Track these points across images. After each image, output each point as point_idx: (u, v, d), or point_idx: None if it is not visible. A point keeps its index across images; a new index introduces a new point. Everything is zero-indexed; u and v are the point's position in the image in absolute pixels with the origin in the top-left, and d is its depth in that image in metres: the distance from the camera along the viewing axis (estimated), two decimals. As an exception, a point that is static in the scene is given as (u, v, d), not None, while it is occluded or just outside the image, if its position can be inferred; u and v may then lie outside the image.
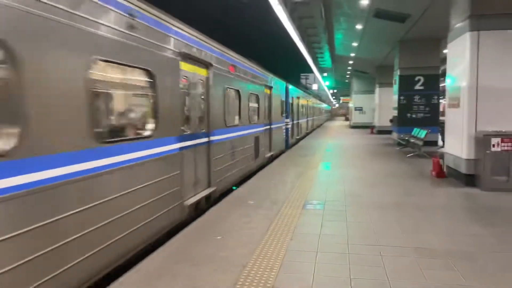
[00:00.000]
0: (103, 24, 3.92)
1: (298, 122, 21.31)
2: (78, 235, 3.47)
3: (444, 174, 9.44)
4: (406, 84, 17.80)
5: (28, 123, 2.99)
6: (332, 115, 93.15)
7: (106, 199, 3.91)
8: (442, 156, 9.89)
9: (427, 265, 4.07)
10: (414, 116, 17.83)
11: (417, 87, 17.73)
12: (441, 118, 18.03)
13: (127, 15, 4.35)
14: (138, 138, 4.72)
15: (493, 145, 7.78)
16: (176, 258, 4.31)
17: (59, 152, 3.30)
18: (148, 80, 4.95)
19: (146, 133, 4.96)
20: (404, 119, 17.87)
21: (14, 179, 2.85)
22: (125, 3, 4.34)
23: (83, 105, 3.61)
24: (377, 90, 26.54)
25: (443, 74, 14.67)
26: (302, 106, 23.54)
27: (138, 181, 4.58)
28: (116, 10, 4.16)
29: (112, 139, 4.11)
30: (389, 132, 22.99)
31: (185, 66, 6.13)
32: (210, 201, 7.12)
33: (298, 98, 20.96)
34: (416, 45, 17.20)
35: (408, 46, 17.40)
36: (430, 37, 16.53)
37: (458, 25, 8.78)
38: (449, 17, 9.42)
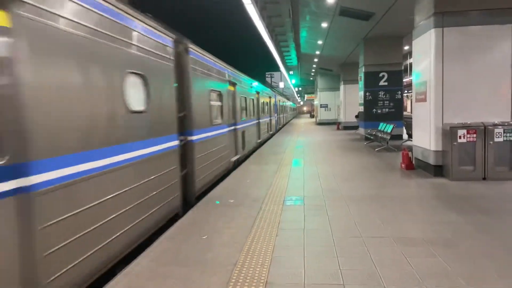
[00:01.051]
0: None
1: (268, 120, 21.43)
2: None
3: (413, 166, 9.79)
4: (371, 81, 18.29)
5: None
6: (297, 112, 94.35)
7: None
8: (410, 148, 10.25)
9: (411, 253, 4.22)
10: (379, 111, 18.35)
11: (382, 83, 18.26)
12: (405, 112, 18.71)
13: None
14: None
15: (459, 137, 8.15)
16: (163, 260, 4.25)
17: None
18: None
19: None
20: (370, 114, 18.35)
21: None
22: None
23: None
24: (342, 87, 27.10)
25: (405, 70, 15.32)
26: (271, 104, 23.68)
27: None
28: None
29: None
30: (355, 127, 23.58)
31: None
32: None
33: (268, 97, 21.13)
34: (379, 43, 17.70)
35: (372, 43, 17.88)
36: (393, 35, 17.07)
37: (422, 22, 9.12)
38: (414, 15, 9.77)
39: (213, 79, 9.30)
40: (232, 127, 11.70)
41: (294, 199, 6.89)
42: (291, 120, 54.64)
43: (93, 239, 3.76)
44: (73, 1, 3.64)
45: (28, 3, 3.09)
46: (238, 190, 7.75)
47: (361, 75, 18.94)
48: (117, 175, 4.28)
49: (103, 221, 3.96)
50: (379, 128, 15.86)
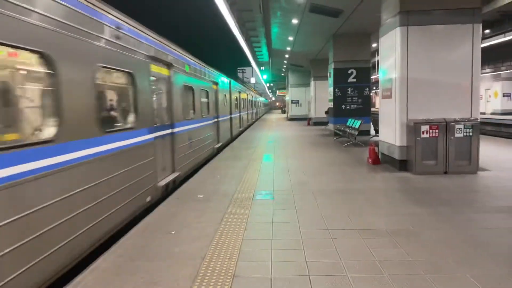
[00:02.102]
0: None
1: (239, 115, 21.51)
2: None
3: (379, 160, 10.07)
4: (340, 77, 18.59)
5: None
6: (269, 108, 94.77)
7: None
8: (377, 144, 10.53)
9: (374, 244, 4.37)
10: (348, 107, 18.70)
11: (350, 79, 18.60)
12: (373, 109, 19.15)
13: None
14: None
15: (423, 132, 8.44)
16: (131, 255, 4.22)
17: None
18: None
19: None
20: (339, 110, 18.68)
21: None
22: None
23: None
24: (312, 83, 27.43)
25: (373, 67, 15.67)
26: (243, 100, 23.75)
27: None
28: None
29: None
30: (325, 123, 23.93)
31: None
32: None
33: (239, 92, 21.19)
34: (348, 39, 18.00)
35: (342, 40, 18.17)
36: (361, 32, 17.40)
37: (388, 20, 9.37)
38: (380, 13, 10.01)
39: (195, 77, 10.38)
40: (214, 120, 13.28)
41: (264, 194, 6.97)
42: (262, 115, 54.85)
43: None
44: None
45: (174, 66, 8.09)
46: (208, 186, 7.75)
47: (331, 71, 19.22)
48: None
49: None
50: (348, 124, 16.19)
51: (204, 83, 11.68)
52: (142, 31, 6.37)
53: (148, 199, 6.38)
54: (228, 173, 9.12)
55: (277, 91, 75.75)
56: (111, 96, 5.58)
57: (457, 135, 8.37)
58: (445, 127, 8.39)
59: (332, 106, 19.31)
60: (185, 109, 9.20)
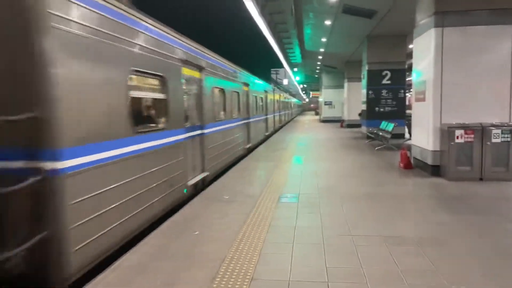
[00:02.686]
0: None
1: (271, 117, 21.53)
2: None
3: (411, 165, 9.78)
4: (374, 79, 18.23)
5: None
6: (302, 109, 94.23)
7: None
8: (409, 148, 10.24)
9: (399, 253, 4.25)
10: (382, 109, 18.31)
11: (385, 81, 18.20)
12: (407, 111, 18.65)
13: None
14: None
15: (457, 137, 8.13)
16: (153, 254, 4.31)
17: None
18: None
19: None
20: (372, 112, 18.31)
21: None
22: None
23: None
24: (346, 84, 27.05)
25: (409, 69, 15.20)
26: (275, 101, 23.74)
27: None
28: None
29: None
30: (358, 125, 23.52)
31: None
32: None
33: (270, 94, 21.22)
34: (383, 41, 17.63)
35: (376, 41, 17.81)
36: (396, 33, 17.00)
37: (423, 21, 9.09)
38: (415, 14, 9.74)
39: (225, 79, 10.59)
40: (245, 121, 13.32)
41: (290, 197, 6.93)
42: (295, 117, 54.61)
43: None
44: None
45: (205, 69, 8.43)
46: (235, 186, 7.80)
47: (364, 73, 18.89)
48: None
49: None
50: (381, 126, 15.84)
51: (234, 84, 11.81)
52: (177, 38, 6.88)
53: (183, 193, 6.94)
54: (256, 174, 9.14)
55: (311, 92, 75.23)
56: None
57: (494, 140, 8.01)
58: (481, 132, 8.04)
59: (365, 109, 18.97)
60: (215, 110, 9.46)
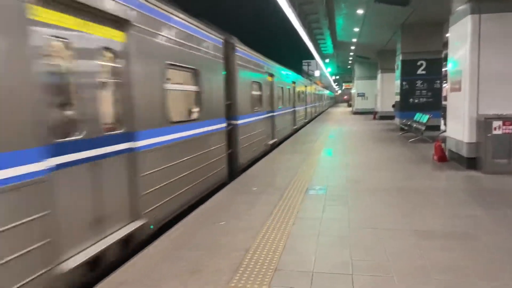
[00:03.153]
0: None
1: (300, 109, 21.33)
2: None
3: (446, 158, 9.48)
4: (408, 69, 17.73)
5: None
6: (335, 101, 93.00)
7: None
8: (444, 140, 9.91)
9: (427, 247, 4.15)
10: (416, 101, 17.80)
11: (419, 71, 17.66)
12: (443, 102, 18.04)
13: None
14: None
15: (495, 128, 7.80)
16: (180, 243, 4.41)
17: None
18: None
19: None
20: (406, 104, 17.84)
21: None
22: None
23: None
24: (379, 75, 26.44)
25: (446, 59, 14.63)
26: (304, 93, 23.49)
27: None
28: None
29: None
30: (391, 117, 22.97)
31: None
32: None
33: (299, 85, 20.93)
34: (418, 30, 17.08)
35: (410, 30, 17.28)
36: (432, 21, 16.41)
37: (459, 8, 8.73)
38: (451, 1, 9.36)
39: (254, 71, 10.58)
40: (270, 114, 12.90)
41: (317, 189, 6.89)
42: (327, 109, 53.96)
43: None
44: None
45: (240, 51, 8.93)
46: (263, 178, 7.83)
47: (398, 63, 18.40)
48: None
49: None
50: (415, 118, 15.40)
51: (256, 75, 10.99)
52: (264, 59, 10.09)
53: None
54: (284, 166, 9.13)
55: (343, 84, 74.04)
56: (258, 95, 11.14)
57: (534, 132, 7.63)
58: (521, 123, 7.67)
59: (398, 100, 18.49)
60: (282, 101, 10.31)
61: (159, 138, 5.05)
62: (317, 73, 54.29)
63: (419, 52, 17.44)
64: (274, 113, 13.62)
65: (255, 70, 10.65)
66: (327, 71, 49.82)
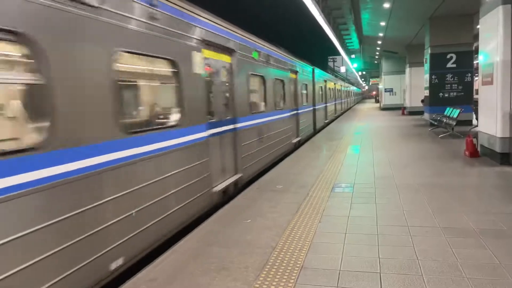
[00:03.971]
0: None
1: (326, 106, 21.12)
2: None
3: (478, 153, 9.19)
4: (437, 63, 17.26)
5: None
6: (362, 97, 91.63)
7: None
8: (475, 135, 9.61)
9: (458, 244, 4.05)
10: (446, 95, 17.33)
11: (449, 65, 17.17)
12: (475, 96, 17.47)
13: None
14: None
15: (530, 122, 7.50)
16: (207, 240, 4.47)
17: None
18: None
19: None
20: (436, 98, 17.38)
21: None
22: None
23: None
24: (407, 70, 25.86)
25: (477, 51, 14.15)
26: (330, 89, 23.23)
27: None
28: None
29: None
30: (420, 113, 22.44)
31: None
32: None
33: (325, 82, 20.69)
34: (447, 22, 16.60)
35: (439, 23, 16.81)
36: (461, 13, 15.92)
37: (490, -2, 8.43)
38: (481, -9, 9.05)
39: (274, 67, 10.36)
40: (294, 112, 12.84)
41: (344, 186, 6.82)
42: (354, 105, 53.22)
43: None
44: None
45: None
46: (288, 176, 7.81)
47: (427, 57, 17.94)
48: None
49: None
50: (445, 113, 14.97)
51: (279, 72, 10.77)
52: (285, 55, 11.31)
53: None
54: (310, 163, 9.08)
55: (370, 79, 72.82)
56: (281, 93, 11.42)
57: None
58: (558, 116, 7.35)
59: (428, 95, 18.03)
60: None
61: (247, 122, 7.77)
62: (343, 69, 53.60)
63: (448, 45, 16.95)
64: (299, 111, 13.52)
65: (268, 64, 9.69)
66: (353, 66, 49.10)
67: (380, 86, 40.13)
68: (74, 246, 3.15)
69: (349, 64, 44.39)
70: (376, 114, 29.45)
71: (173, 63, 4.91)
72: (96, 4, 3.48)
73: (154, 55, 4.43)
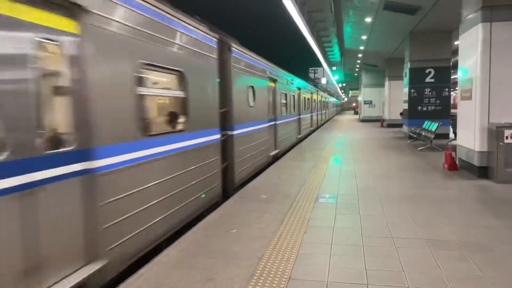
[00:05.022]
0: None
1: (307, 117, 21.26)
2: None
3: (457, 166, 9.40)
4: (416, 77, 17.66)
5: None
6: (341, 109, 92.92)
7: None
8: (454, 148, 9.83)
9: (442, 257, 4.09)
10: (424, 109, 17.71)
11: (428, 79, 17.59)
12: (452, 110, 17.93)
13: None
14: None
15: (506, 137, 7.72)
16: (191, 251, 4.38)
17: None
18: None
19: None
20: (414, 112, 17.75)
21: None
22: None
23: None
24: (386, 83, 26.37)
25: (454, 66, 14.57)
26: (311, 100, 23.38)
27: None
28: None
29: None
30: (399, 125, 22.86)
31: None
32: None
33: (306, 92, 20.81)
34: (426, 37, 17.04)
35: (419, 38, 17.24)
36: (441, 29, 16.39)
37: (470, 16, 8.70)
38: (461, 9, 9.34)
39: (254, 76, 9.67)
40: (272, 123, 11.87)
41: (327, 197, 6.84)
42: (333, 116, 53.85)
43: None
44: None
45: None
46: (272, 186, 7.79)
47: (406, 71, 18.34)
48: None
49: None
50: (424, 126, 15.31)
51: (255, 79, 9.79)
52: (265, 63, 11.16)
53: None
54: (293, 173, 9.09)
55: (350, 91, 73.95)
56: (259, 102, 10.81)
57: (547, 141, 7.54)
58: (534, 132, 7.60)
59: (407, 108, 18.41)
60: (286, 108, 9.68)
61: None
62: (323, 81, 54.34)
63: (427, 60, 17.39)
64: (277, 122, 12.50)
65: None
66: (334, 78, 49.81)
67: (360, 98, 40.77)
68: (202, 180, 6.14)
69: (330, 76, 44.99)
70: (356, 125, 29.86)
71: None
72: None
73: None
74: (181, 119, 5.58)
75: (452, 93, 18.41)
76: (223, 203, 6.64)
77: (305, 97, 20.37)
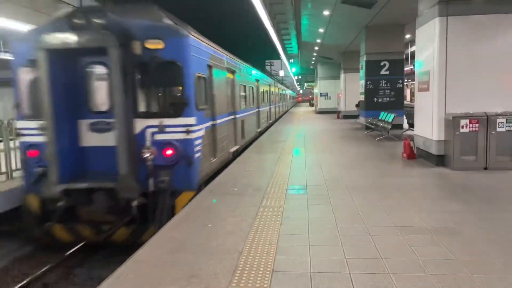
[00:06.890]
0: None
1: (266, 109, 21.33)
2: None
3: (415, 155, 9.80)
4: (372, 69, 18.20)
5: None
6: (297, 101, 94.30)
7: None
8: (412, 138, 10.25)
9: (415, 242, 4.25)
10: (380, 100, 18.29)
11: (383, 72, 18.17)
12: (405, 101, 18.70)
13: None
14: None
15: (462, 127, 8.14)
16: (170, 247, 4.27)
17: None
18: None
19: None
20: (371, 103, 18.30)
21: None
22: None
23: None
24: (342, 75, 27.01)
25: (407, 59, 15.25)
26: (268, 92, 23.45)
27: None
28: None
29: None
30: (355, 116, 23.53)
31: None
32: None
33: (264, 84, 20.81)
34: (381, 31, 17.57)
35: (374, 31, 17.75)
36: (395, 23, 16.95)
37: (426, 10, 9.05)
38: (417, 3, 9.68)
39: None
40: (232, 116, 11.20)
41: (297, 188, 6.91)
42: (290, 108, 54.56)
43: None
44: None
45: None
46: (241, 179, 7.76)
47: (362, 63, 18.85)
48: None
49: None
50: (380, 117, 15.84)
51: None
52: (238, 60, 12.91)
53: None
54: (259, 166, 9.11)
55: (305, 84, 75.16)
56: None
57: (498, 129, 8.03)
58: (486, 121, 8.06)
59: (363, 99, 18.96)
60: (245, 101, 13.94)
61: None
62: (281, 73, 54.92)
63: (382, 53, 17.96)
64: (237, 115, 11.80)
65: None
66: (292, 71, 50.40)
67: (316, 91, 41.55)
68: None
69: (288, 69, 45.45)
70: (313, 117, 30.40)
71: None
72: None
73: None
74: None
75: (405, 84, 19.11)
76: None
77: (263, 90, 20.38)
